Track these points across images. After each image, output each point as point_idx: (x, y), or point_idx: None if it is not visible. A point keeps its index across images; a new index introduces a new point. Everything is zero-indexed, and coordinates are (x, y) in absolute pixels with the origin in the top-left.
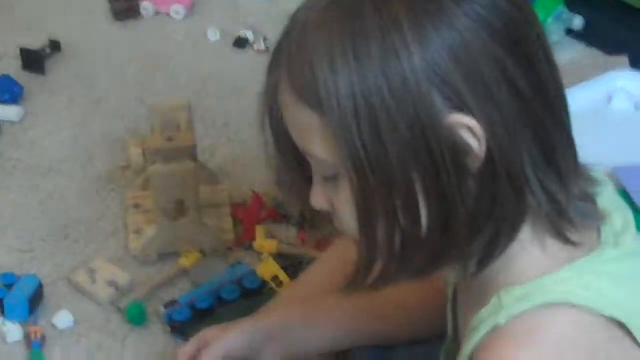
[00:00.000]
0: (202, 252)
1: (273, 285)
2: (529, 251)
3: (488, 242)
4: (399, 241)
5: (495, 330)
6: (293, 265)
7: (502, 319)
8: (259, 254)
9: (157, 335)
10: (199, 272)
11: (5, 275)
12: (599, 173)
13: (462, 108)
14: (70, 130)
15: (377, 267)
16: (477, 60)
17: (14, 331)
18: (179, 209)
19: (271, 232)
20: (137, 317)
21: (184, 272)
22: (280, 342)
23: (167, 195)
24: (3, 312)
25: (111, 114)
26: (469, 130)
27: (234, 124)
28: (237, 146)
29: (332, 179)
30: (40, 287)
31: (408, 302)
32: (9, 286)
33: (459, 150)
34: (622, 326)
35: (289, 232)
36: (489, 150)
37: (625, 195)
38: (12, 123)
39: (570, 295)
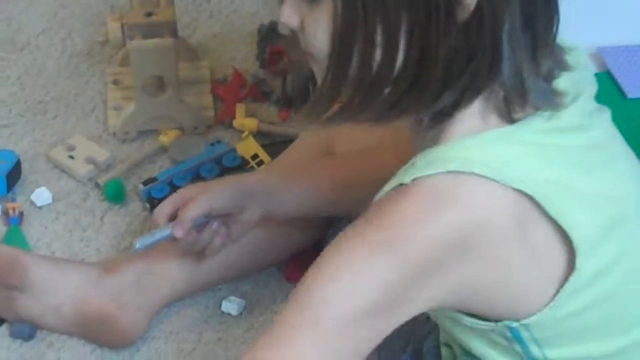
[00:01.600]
0: (182, 130)
1: (253, 163)
2: (468, 120)
3: (450, 98)
4: (368, 76)
5: (399, 187)
6: (273, 144)
7: (407, 178)
8: (239, 132)
9: (135, 212)
10: (178, 150)
11: None
12: (578, 54)
13: None
14: (48, 5)
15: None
16: None
17: None
18: (159, 86)
19: (252, 110)
20: (115, 194)
21: (163, 150)
22: (260, 199)
23: (147, 72)
24: None
25: None
26: None
27: None
28: (218, 22)
29: None
30: (18, 163)
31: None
32: None
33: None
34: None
35: (270, 111)
36: (479, 2)
37: (609, 76)
38: None
39: (474, 165)
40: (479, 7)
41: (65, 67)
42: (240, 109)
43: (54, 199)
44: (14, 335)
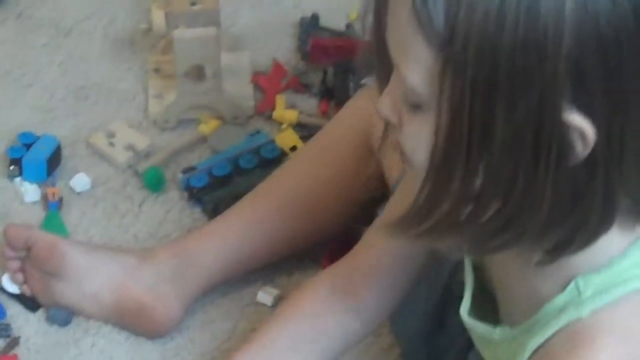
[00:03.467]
0: (222, 119)
1: (291, 155)
2: (608, 236)
3: (564, 236)
4: (467, 202)
5: (577, 324)
6: (312, 136)
7: (584, 312)
8: (279, 123)
9: (173, 201)
10: (217, 139)
11: (24, 135)
12: None
13: (586, 112)
14: None
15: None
16: (623, 61)
17: (31, 192)
18: (200, 75)
19: (291, 102)
20: (154, 182)
21: (203, 139)
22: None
23: (188, 61)
24: (21, 172)
25: None
26: (580, 135)
27: None
28: (260, 13)
29: (413, 104)
30: (58, 148)
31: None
32: (28, 145)
33: (564, 147)
34: None
35: (310, 103)
36: (591, 156)
37: None
38: None
39: None
40: (591, 159)
41: (108, 53)
42: (280, 100)
43: (92, 185)
44: (51, 320)
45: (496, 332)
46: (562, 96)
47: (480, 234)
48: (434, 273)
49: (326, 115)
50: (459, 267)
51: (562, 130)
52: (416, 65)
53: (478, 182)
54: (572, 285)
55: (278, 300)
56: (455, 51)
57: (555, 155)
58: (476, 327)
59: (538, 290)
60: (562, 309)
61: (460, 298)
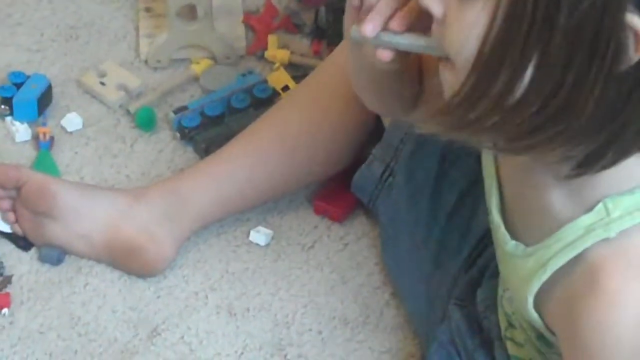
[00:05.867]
0: (214, 59)
1: (283, 95)
2: (637, 162)
3: (597, 146)
4: (511, 98)
5: (605, 243)
6: (304, 76)
7: (611, 232)
8: (271, 63)
9: (165, 140)
10: (209, 79)
11: (14, 74)
12: None
13: None
14: None
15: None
16: None
17: (22, 131)
18: (191, 14)
19: (283, 42)
20: (146, 122)
21: (195, 79)
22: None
23: (180, 0)
24: (12, 112)
25: None
26: (635, 37)
27: None
28: None
29: None
30: (49, 87)
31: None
32: (18, 85)
33: (620, 48)
34: None
35: (302, 43)
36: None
37: None
38: None
39: None
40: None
41: None
42: (272, 40)
43: (84, 125)
44: (43, 259)
45: (510, 245)
46: None
47: (518, 130)
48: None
49: (318, 55)
50: (457, 209)
51: (621, 31)
52: None
53: (527, 75)
54: (600, 205)
55: (270, 241)
56: None
57: (610, 56)
58: (498, 227)
59: (561, 209)
60: (588, 229)
61: (459, 239)
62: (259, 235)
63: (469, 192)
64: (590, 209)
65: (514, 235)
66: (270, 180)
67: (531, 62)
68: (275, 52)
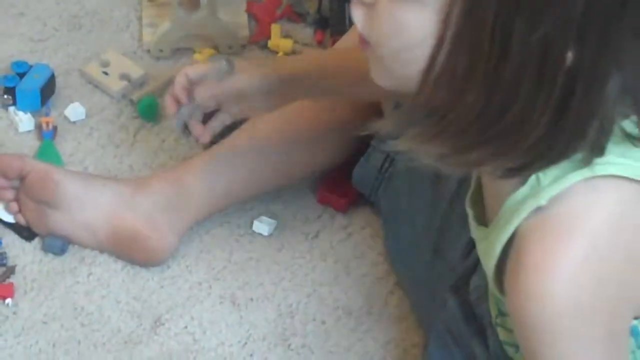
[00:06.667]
0: (216, 49)
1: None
2: None
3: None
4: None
5: (537, 213)
6: None
7: (542, 200)
8: (274, 52)
9: (168, 130)
10: None
11: (17, 63)
12: None
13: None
14: None
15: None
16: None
17: (25, 121)
18: (194, 3)
19: (286, 31)
20: (149, 112)
21: None
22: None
23: None
24: (15, 102)
25: None
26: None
27: None
28: None
29: None
30: (52, 77)
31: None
32: (21, 75)
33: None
34: None
35: (305, 32)
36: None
37: None
38: None
39: (610, 166)
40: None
41: None
42: (275, 29)
43: (87, 115)
44: (46, 249)
45: (474, 230)
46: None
47: (462, 144)
48: (433, 201)
49: (321, 44)
50: (457, 196)
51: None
52: None
53: (475, 86)
54: (532, 177)
55: (274, 230)
56: None
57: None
58: (469, 215)
59: (504, 187)
60: (522, 201)
61: (459, 227)
62: (263, 225)
63: (469, 179)
64: (525, 182)
65: (488, 222)
66: (274, 170)
67: (478, 83)
68: (278, 41)
